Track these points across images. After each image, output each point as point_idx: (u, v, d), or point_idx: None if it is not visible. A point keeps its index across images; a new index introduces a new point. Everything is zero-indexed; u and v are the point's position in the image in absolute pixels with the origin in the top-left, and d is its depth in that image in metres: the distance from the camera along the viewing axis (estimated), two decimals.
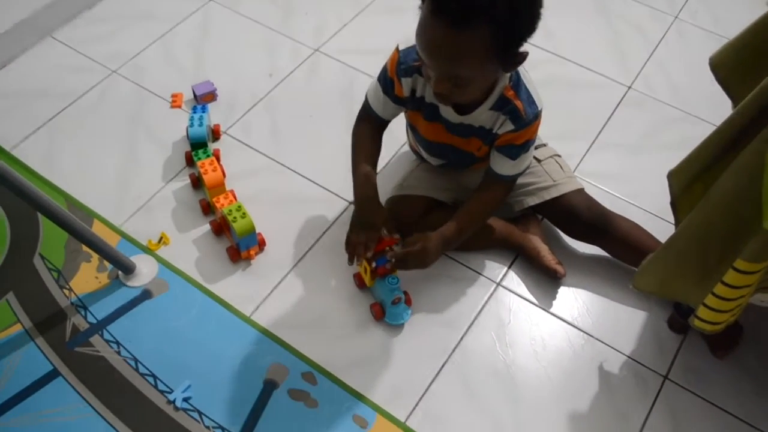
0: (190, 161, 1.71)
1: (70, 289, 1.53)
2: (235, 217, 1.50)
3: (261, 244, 1.57)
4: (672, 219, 1.60)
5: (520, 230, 1.58)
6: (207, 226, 1.62)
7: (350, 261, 1.49)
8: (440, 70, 1.21)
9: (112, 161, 1.74)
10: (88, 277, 1.55)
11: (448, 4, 1.11)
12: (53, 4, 2.00)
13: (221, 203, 1.55)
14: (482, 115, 1.37)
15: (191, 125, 1.66)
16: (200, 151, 1.64)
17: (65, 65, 1.94)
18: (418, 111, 1.44)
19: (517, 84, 1.35)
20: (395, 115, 1.49)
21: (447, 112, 1.39)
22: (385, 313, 1.47)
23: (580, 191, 1.55)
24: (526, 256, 1.58)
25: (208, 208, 1.63)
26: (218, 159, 1.68)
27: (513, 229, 1.58)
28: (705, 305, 1.21)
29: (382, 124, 1.50)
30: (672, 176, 1.26)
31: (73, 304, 1.51)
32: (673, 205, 1.31)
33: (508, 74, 1.33)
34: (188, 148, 1.72)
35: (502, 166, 1.43)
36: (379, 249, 1.44)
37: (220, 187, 1.59)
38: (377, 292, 1.49)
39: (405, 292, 1.48)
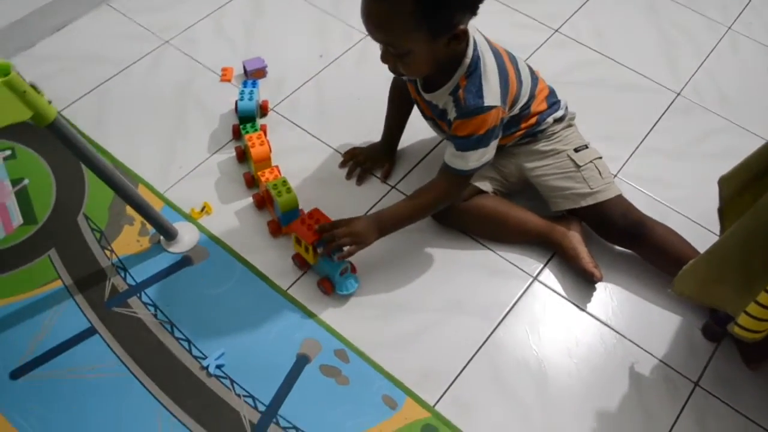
0: (237, 134, 1.73)
1: (112, 250, 1.55)
2: (279, 192, 1.51)
3: None
4: (711, 226, 1.61)
5: (561, 229, 1.58)
6: (249, 199, 1.64)
7: (342, 165, 1.72)
8: (375, 39, 1.30)
9: (159, 129, 1.76)
10: (130, 239, 1.57)
11: None
12: None
13: (266, 177, 1.57)
14: (443, 98, 1.42)
15: (241, 99, 1.68)
16: (248, 126, 1.66)
17: (119, 33, 1.98)
18: (413, 84, 1.51)
19: (472, 74, 1.37)
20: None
21: (421, 88, 1.47)
22: (334, 286, 1.48)
23: (618, 198, 1.55)
24: (563, 255, 1.58)
25: (252, 182, 1.65)
26: (265, 134, 1.70)
27: (554, 226, 1.58)
28: (747, 313, 1.20)
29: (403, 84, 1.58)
30: (723, 182, 1.26)
31: (113, 264, 1.53)
32: (721, 211, 1.30)
33: (468, 62, 1.36)
34: (236, 122, 1.74)
35: (448, 154, 1.44)
36: (319, 236, 1.44)
37: (266, 162, 1.60)
38: (323, 268, 1.49)
39: (349, 262, 1.49)
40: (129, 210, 1.60)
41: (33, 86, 1.15)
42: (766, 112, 1.91)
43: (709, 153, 1.80)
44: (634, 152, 1.79)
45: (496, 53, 1.42)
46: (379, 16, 1.24)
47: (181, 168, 1.69)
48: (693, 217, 1.66)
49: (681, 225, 1.59)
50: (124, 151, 1.71)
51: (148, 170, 1.68)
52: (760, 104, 1.93)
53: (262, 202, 1.62)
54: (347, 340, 1.45)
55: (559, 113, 1.57)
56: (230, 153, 1.72)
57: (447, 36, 1.27)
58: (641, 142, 1.81)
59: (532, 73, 1.54)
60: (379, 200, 1.66)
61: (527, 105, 1.50)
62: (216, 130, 1.76)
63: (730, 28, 2.13)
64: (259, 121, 1.74)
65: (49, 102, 1.19)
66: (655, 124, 1.86)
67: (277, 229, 1.58)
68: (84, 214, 1.61)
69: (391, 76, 1.60)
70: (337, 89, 1.88)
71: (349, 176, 1.69)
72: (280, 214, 1.54)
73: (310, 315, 1.48)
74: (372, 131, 1.74)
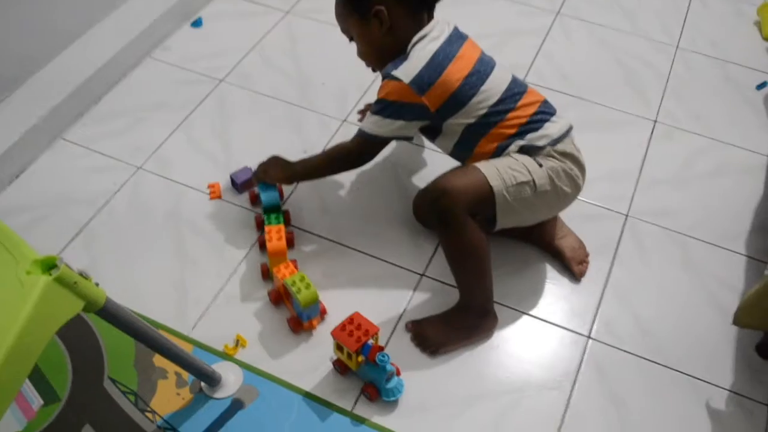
0: (260, 226, 1.67)
1: (153, 412, 1.42)
2: (298, 288, 1.44)
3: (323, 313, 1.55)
4: (734, 248, 1.65)
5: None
6: (282, 320, 1.54)
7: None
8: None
9: (161, 265, 1.64)
10: (169, 395, 1.44)
11: None
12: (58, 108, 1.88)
13: (282, 273, 1.49)
14: None
15: (262, 191, 1.65)
16: (272, 216, 1.62)
17: (84, 167, 1.83)
18: None
19: (404, 57, 1.44)
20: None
21: None
22: (381, 392, 1.42)
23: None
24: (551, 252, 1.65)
25: (267, 274, 1.60)
26: (288, 222, 1.68)
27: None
28: None
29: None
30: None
31: (159, 427, 1.40)
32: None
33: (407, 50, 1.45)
34: (258, 212, 1.72)
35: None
36: (365, 340, 1.38)
37: (281, 257, 1.54)
38: (366, 373, 1.43)
39: (394, 366, 1.42)
40: (157, 361, 1.47)
41: (82, 274, 1.03)
42: (736, 121, 1.99)
43: (703, 173, 1.86)
44: (636, 188, 1.82)
45: (448, 49, 1.43)
46: (335, 8, 1.49)
47: (198, 302, 1.57)
48: (713, 240, 1.69)
49: (705, 252, 1.62)
50: (130, 297, 1.56)
51: (164, 313, 1.55)
52: (729, 114, 2.01)
53: (279, 297, 1.56)
54: None
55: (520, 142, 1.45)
56: (243, 275, 1.62)
57: (369, 16, 1.42)
58: (639, 177, 1.85)
59: (518, 85, 1.49)
60: (413, 293, 1.60)
61: (497, 112, 1.44)
62: (221, 252, 1.65)
63: (677, 47, 2.22)
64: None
65: (97, 284, 1.08)
66: (645, 156, 1.90)
67: (297, 324, 1.51)
68: (109, 377, 1.47)
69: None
70: (332, 183, 1.80)
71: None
72: (300, 310, 1.46)
73: (385, 431, 1.40)
74: (380, 220, 1.72)
